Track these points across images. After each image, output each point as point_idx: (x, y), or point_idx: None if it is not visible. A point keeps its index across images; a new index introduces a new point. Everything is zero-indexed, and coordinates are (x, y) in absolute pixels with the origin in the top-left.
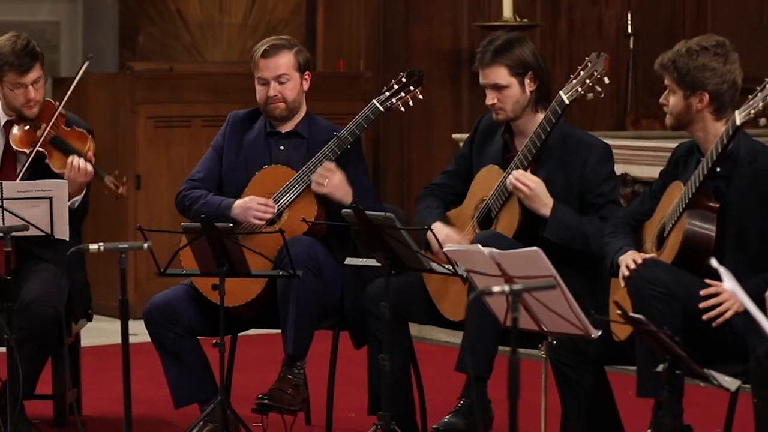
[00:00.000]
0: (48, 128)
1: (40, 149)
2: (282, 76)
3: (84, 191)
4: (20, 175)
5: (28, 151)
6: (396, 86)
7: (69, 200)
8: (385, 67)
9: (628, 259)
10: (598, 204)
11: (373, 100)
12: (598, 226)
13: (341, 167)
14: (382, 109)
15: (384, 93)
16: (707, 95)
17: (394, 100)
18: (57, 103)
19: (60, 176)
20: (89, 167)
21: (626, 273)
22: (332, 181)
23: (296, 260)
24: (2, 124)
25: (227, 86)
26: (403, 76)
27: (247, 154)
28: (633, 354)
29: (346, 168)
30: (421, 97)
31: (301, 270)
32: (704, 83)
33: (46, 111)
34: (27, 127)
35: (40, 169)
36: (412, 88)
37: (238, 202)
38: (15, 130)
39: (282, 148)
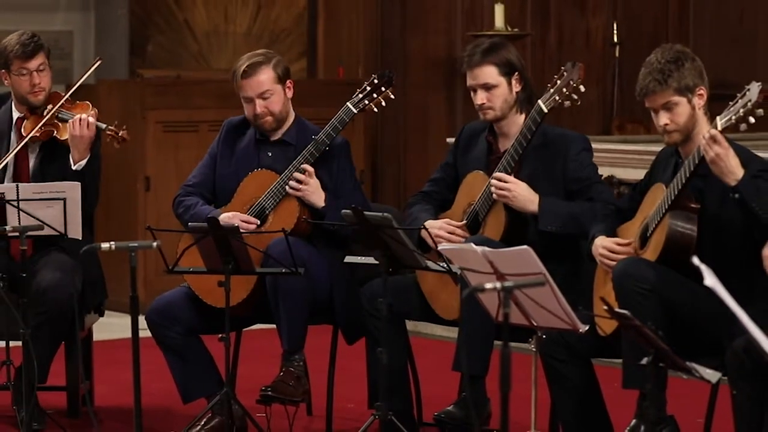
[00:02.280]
0: (54, 109)
1: (49, 127)
2: (265, 93)
3: (88, 158)
4: (32, 158)
5: (39, 134)
6: (368, 88)
7: (76, 164)
8: None
9: (597, 248)
10: (583, 188)
11: (347, 103)
12: (587, 206)
13: (326, 169)
14: (355, 111)
15: (357, 95)
16: (704, 88)
17: (366, 102)
18: (63, 94)
19: (69, 176)
20: (90, 119)
21: (602, 260)
22: (308, 185)
23: (279, 259)
24: (14, 121)
25: (233, 92)
26: (374, 78)
27: (238, 161)
28: (618, 348)
29: (335, 168)
30: (392, 97)
31: (302, 268)
32: (701, 77)
33: (53, 100)
34: (36, 117)
35: (51, 153)
36: (383, 89)
37: (222, 217)
38: (25, 123)
39: (270, 154)
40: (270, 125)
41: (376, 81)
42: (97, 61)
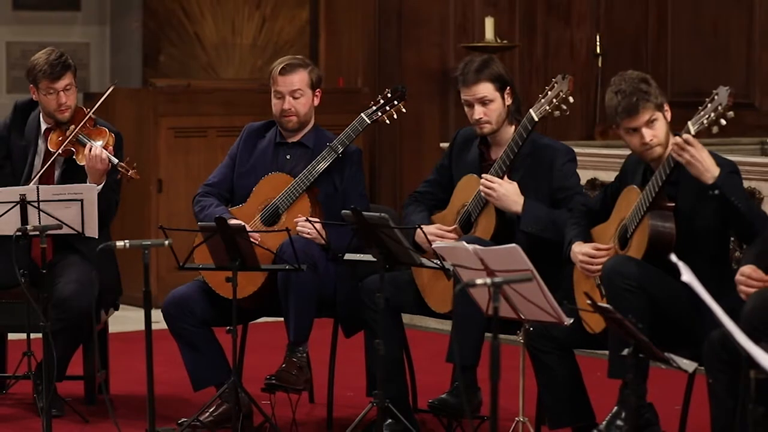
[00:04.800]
0: (76, 129)
1: (70, 148)
2: (296, 92)
3: (103, 183)
4: (57, 170)
5: (61, 151)
6: (382, 101)
7: None
8: (381, 83)
9: (577, 255)
10: (567, 197)
11: (361, 114)
12: (567, 215)
13: (338, 173)
14: (368, 122)
15: (371, 107)
16: (667, 104)
17: (379, 114)
18: (87, 110)
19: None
20: (103, 153)
21: (582, 267)
22: (312, 232)
23: (291, 256)
24: (42, 132)
25: (239, 100)
26: (388, 92)
27: (256, 161)
28: (600, 340)
29: (346, 174)
30: (404, 110)
31: (305, 265)
32: (663, 95)
33: (77, 116)
34: (60, 131)
35: (72, 167)
36: (395, 102)
37: (231, 223)
38: (51, 135)
39: (288, 157)
40: (293, 125)
41: (389, 95)
42: (111, 86)
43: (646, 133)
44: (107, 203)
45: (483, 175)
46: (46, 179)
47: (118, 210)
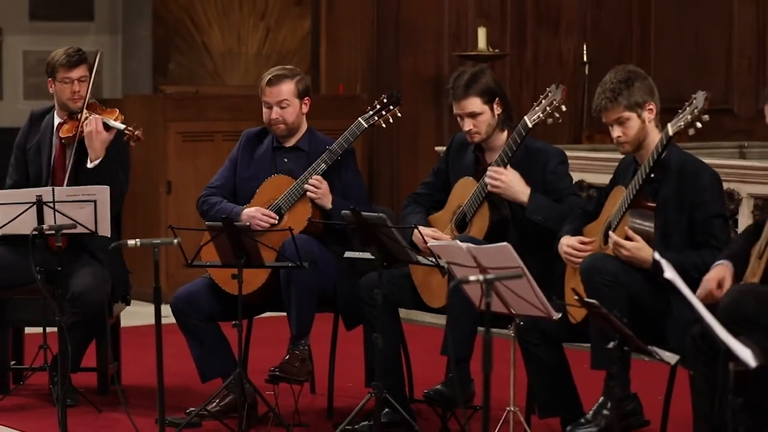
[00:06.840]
0: (83, 109)
1: (81, 130)
2: (283, 102)
3: (103, 156)
4: (69, 157)
5: (72, 135)
6: (378, 106)
7: (91, 162)
8: (379, 90)
9: (563, 247)
10: (560, 198)
11: (359, 118)
12: (566, 209)
13: (336, 174)
14: (366, 125)
15: (368, 111)
16: (653, 104)
17: (376, 118)
18: (95, 100)
19: (81, 174)
20: (98, 116)
21: (567, 258)
22: (319, 189)
23: (293, 254)
24: (56, 127)
25: (244, 106)
26: (384, 97)
27: (257, 166)
28: (587, 333)
29: (343, 174)
30: (399, 115)
31: (306, 262)
32: (651, 94)
33: (88, 108)
34: (73, 122)
35: (84, 155)
36: (391, 107)
37: (246, 211)
38: (64, 127)
39: (286, 160)
40: (281, 132)
41: (385, 100)
42: (98, 53)
43: (615, 130)
44: (111, 182)
45: (489, 168)
46: (59, 169)
47: (127, 206)
